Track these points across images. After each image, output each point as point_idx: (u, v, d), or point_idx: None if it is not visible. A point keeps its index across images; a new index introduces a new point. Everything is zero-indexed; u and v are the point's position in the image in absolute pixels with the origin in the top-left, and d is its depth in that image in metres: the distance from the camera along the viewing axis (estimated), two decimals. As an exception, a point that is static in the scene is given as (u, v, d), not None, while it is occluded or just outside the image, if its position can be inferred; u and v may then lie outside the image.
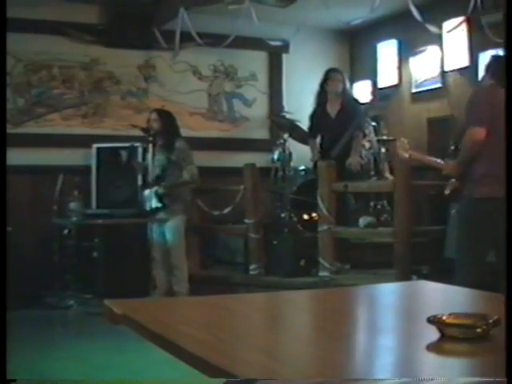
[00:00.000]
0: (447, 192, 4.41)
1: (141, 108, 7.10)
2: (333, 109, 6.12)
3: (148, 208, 6.05)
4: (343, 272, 5.83)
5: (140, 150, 6.57)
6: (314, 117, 6.23)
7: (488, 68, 4.31)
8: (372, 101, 6.22)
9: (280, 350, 1.48)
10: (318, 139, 6.27)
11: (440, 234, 5.28)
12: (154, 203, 6.00)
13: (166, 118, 6.15)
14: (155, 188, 6.00)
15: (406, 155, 4.71)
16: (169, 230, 6.06)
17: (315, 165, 6.13)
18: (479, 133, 4.00)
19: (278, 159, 6.72)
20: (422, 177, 6.19)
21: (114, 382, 3.86)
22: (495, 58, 4.46)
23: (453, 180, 4.35)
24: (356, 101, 6.37)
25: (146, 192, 6.09)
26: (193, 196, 6.53)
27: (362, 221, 5.71)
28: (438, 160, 4.49)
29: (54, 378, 4.01)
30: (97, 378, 4.01)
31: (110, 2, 6.86)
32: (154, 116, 6.14)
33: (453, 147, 4.46)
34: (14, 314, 4.98)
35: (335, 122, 6.05)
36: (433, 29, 5.74)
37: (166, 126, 6.10)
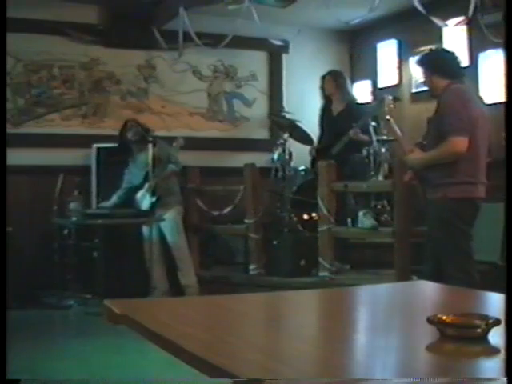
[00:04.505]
0: (406, 179, 4.47)
1: (141, 108, 7.10)
2: (336, 108, 6.19)
3: (145, 207, 6.09)
4: (343, 272, 5.83)
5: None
6: (320, 117, 6.33)
7: (429, 70, 4.22)
8: (374, 100, 6.28)
9: (280, 349, 1.48)
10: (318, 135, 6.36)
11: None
12: (149, 199, 6.04)
13: (140, 127, 6.33)
14: (146, 185, 6.07)
15: (388, 117, 4.75)
16: (166, 224, 6.12)
17: (313, 163, 6.16)
18: (463, 143, 3.98)
19: (278, 159, 6.72)
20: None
21: (117, 382, 3.87)
22: (428, 57, 4.36)
23: (409, 171, 4.43)
24: (358, 103, 6.43)
25: (139, 194, 6.14)
26: (192, 196, 6.55)
27: (362, 216, 5.69)
28: (408, 144, 4.46)
29: (54, 378, 4.01)
30: (97, 378, 4.02)
31: (110, 1, 6.86)
32: (131, 124, 6.30)
33: (420, 140, 4.47)
34: (14, 314, 4.98)
35: (336, 120, 6.10)
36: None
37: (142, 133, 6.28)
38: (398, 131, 4.67)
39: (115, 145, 6.60)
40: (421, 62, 4.35)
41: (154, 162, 6.09)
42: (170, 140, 6.35)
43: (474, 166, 4.07)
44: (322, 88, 6.30)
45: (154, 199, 6.05)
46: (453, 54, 4.43)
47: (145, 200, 6.10)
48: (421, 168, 4.22)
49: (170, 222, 6.15)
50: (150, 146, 6.10)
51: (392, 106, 4.86)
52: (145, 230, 6.20)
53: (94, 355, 4.56)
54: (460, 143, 3.98)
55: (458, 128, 3.98)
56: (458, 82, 4.18)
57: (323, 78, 6.32)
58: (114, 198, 6.34)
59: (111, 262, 6.17)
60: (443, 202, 4.06)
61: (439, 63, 4.23)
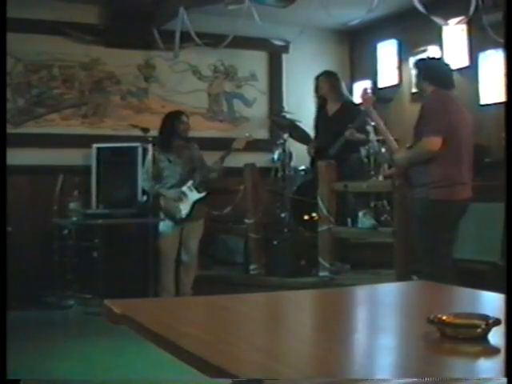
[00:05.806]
0: (382, 178, 4.52)
1: (141, 108, 7.10)
2: (331, 109, 6.19)
3: (187, 202, 6.01)
4: (343, 272, 5.83)
5: (140, 151, 6.57)
6: (316, 118, 6.33)
7: (421, 75, 4.39)
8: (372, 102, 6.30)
9: (280, 350, 1.48)
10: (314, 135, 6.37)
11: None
12: (193, 196, 6.01)
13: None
14: (189, 182, 6.04)
15: (371, 108, 4.87)
16: (191, 232, 6.09)
17: (312, 163, 6.17)
18: (436, 142, 4.11)
19: (278, 159, 6.72)
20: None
21: (117, 382, 3.86)
22: (421, 63, 4.53)
23: (392, 168, 4.53)
24: (353, 103, 6.43)
25: (171, 192, 6.02)
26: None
27: (362, 216, 5.70)
28: (395, 143, 4.60)
29: (54, 378, 4.01)
30: (97, 378, 4.02)
31: (110, 2, 6.86)
32: (185, 118, 6.24)
33: (408, 145, 4.55)
34: (14, 314, 4.98)
35: (331, 120, 6.11)
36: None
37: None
38: (382, 124, 4.80)
39: (116, 145, 6.61)
40: (415, 66, 4.55)
41: (193, 162, 6.13)
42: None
43: (455, 168, 4.16)
44: (316, 89, 6.30)
45: (201, 195, 6.02)
46: (444, 63, 4.63)
47: (185, 197, 6.01)
48: (404, 166, 4.39)
49: (198, 228, 6.14)
50: (150, 146, 6.10)
51: (374, 97, 5.01)
52: (163, 228, 6.13)
53: (95, 355, 4.56)
54: (433, 142, 4.11)
55: (432, 128, 4.12)
56: (445, 89, 4.27)
57: (317, 78, 6.31)
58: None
59: (111, 262, 6.17)
60: (425, 203, 4.17)
61: (428, 71, 4.39)
